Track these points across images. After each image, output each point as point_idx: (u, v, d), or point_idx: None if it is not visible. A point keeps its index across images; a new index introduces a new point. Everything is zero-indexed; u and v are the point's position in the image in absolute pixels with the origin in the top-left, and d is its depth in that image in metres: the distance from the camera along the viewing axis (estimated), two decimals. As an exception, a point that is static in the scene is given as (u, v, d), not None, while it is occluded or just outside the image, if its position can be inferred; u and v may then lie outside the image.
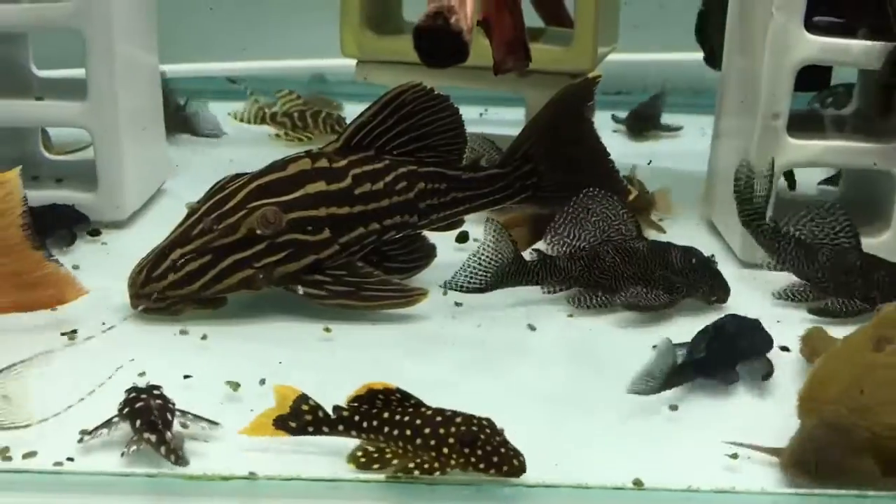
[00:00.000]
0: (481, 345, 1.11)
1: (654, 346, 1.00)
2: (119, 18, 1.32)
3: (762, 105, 1.26)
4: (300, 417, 0.88)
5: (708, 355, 1.01)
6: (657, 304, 1.14)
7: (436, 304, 1.17)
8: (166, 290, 1.10)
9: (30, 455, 0.87)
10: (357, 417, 0.88)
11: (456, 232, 1.29)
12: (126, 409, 0.90)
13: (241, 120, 1.83)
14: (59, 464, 0.86)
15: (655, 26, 2.00)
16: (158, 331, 1.11)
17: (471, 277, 1.14)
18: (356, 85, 1.83)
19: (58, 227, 1.30)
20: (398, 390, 0.88)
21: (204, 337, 1.10)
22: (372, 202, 1.16)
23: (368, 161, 1.17)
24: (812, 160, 1.30)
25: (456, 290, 1.15)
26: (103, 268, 1.25)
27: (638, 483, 0.86)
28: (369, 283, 1.14)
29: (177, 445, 0.86)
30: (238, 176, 1.17)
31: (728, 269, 1.27)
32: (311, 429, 0.88)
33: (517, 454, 0.85)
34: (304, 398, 0.89)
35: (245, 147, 1.76)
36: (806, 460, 0.86)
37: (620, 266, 1.16)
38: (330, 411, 0.88)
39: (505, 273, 1.13)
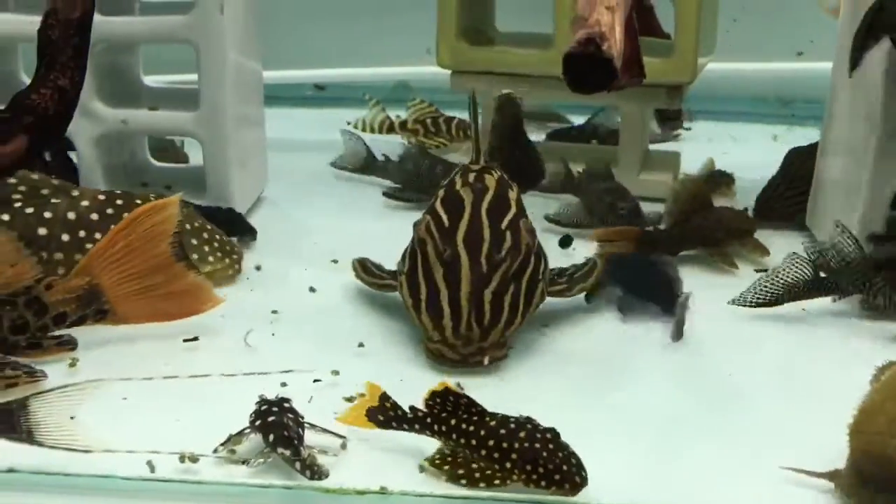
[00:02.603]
0: (586, 362, 1.11)
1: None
2: (230, 29, 1.35)
3: (880, 122, 1.24)
4: (385, 413, 0.92)
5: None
6: None
7: (535, 321, 1.16)
8: (504, 331, 1.06)
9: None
10: (430, 420, 0.91)
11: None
12: (258, 422, 0.91)
13: (364, 129, 1.76)
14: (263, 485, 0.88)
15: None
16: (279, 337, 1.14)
17: (761, 294, 1.19)
18: (441, 93, 1.85)
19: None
20: (465, 396, 0.91)
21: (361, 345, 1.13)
22: (522, 203, 1.20)
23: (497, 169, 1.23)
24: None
25: (743, 305, 1.19)
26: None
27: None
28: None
29: (311, 460, 0.88)
30: (450, 206, 1.12)
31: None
32: (394, 424, 0.92)
33: (580, 469, 0.85)
34: (385, 396, 0.93)
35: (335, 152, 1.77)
36: (852, 491, 0.85)
37: None
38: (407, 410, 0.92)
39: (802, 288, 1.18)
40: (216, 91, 1.35)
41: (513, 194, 1.17)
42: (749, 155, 1.80)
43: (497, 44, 1.69)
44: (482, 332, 1.04)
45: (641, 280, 1.20)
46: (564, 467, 0.85)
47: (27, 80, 1.44)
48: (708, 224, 1.35)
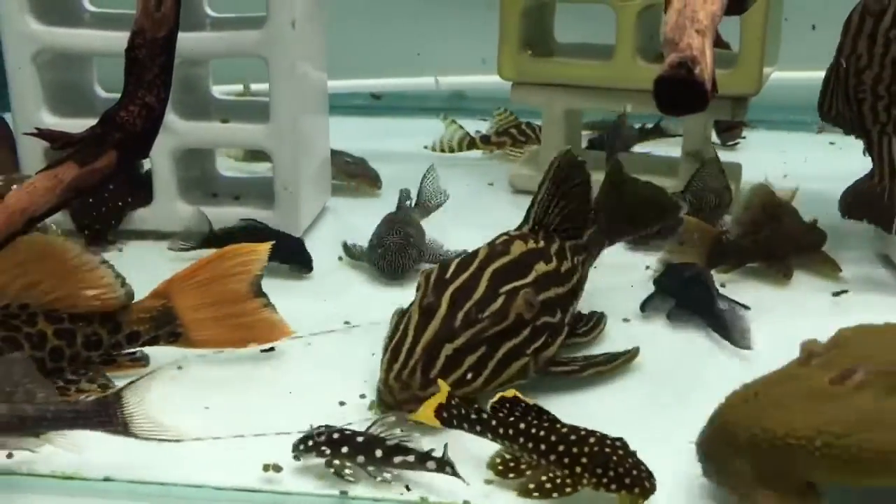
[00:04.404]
0: (648, 375, 1.12)
1: None
2: (300, 44, 1.37)
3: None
4: (450, 411, 0.94)
5: None
6: None
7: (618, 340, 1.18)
8: (451, 389, 0.98)
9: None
10: (495, 423, 0.92)
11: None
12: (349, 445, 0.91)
13: (443, 150, 1.74)
14: (344, 493, 0.90)
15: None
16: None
17: None
18: (496, 102, 1.85)
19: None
20: (535, 405, 0.93)
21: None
22: (569, 280, 1.15)
23: (554, 239, 1.16)
24: None
25: None
26: (285, 286, 1.29)
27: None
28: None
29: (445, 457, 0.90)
30: (461, 261, 1.10)
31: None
32: (456, 423, 0.94)
33: (649, 476, 0.87)
34: (452, 395, 0.95)
35: (395, 163, 1.78)
36: (698, 458, 0.89)
37: None
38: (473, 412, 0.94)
39: None
40: (287, 104, 1.37)
41: (544, 267, 1.10)
42: (809, 166, 1.79)
43: (556, 55, 1.70)
44: (424, 381, 1.00)
45: (687, 293, 1.22)
46: (634, 472, 0.86)
47: (101, 92, 1.49)
48: (777, 236, 1.34)
